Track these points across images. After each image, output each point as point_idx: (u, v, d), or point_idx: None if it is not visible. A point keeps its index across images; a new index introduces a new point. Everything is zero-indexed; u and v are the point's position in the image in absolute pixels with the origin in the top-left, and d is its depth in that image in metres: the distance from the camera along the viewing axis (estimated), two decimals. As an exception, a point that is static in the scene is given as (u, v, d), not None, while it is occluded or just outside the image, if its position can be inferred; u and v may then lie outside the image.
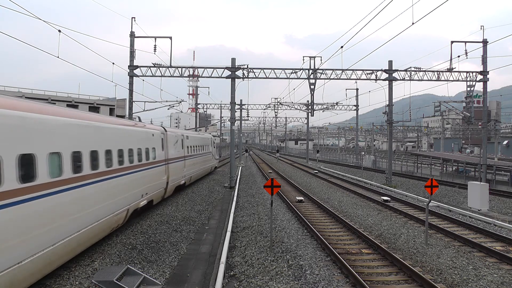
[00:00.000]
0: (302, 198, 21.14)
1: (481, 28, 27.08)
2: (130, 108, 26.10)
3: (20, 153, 6.63)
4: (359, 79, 28.11)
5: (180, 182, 20.45)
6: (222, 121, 68.92)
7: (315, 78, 27.70)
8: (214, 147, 34.66)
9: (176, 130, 22.75)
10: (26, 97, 42.82)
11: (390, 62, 28.38)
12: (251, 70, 26.76)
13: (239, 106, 49.61)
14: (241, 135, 72.56)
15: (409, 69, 27.91)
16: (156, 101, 28.93)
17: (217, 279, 8.48)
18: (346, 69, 27.54)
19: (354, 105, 52.42)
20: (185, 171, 21.55)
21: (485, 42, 26.98)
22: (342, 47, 21.48)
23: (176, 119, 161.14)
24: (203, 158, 28.63)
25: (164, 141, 17.32)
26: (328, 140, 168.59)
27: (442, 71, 27.66)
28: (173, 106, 31.68)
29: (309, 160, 60.30)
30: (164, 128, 18.05)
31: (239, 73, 26.42)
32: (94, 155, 9.70)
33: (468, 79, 27.75)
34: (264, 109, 57.05)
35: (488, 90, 28.03)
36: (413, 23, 16.64)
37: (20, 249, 6.53)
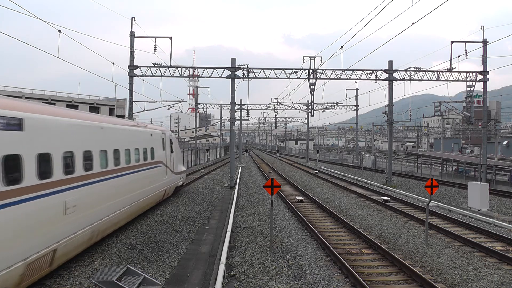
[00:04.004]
0: (302, 198, 21.14)
1: (481, 28, 27.10)
2: (130, 108, 26.11)
3: None
4: (359, 79, 28.11)
5: None
6: (222, 121, 68.98)
7: (315, 78, 27.70)
8: (171, 152, 18.46)
9: None
10: (26, 97, 42.89)
11: (390, 62, 28.40)
12: (251, 70, 26.77)
13: (239, 106, 49.60)
14: (241, 135, 72.60)
15: (409, 69, 27.92)
16: (156, 101, 28.93)
17: (217, 279, 8.48)
18: (346, 69, 27.56)
19: (354, 105, 52.45)
20: None
21: (485, 42, 26.98)
22: (342, 47, 21.47)
23: (176, 119, 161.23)
24: (136, 178, 13.13)
25: None
26: (328, 140, 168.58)
27: (442, 71, 27.67)
28: (173, 106, 31.68)
29: (309, 160, 60.30)
30: None
31: (239, 73, 26.43)
32: None
33: (468, 79, 27.75)
34: (264, 109, 57.10)
35: (488, 90, 28.02)
36: (413, 23, 16.64)
37: None
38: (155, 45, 25.26)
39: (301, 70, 27.40)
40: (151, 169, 14.93)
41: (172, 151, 18.54)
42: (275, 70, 27.29)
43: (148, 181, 14.57)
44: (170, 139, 18.68)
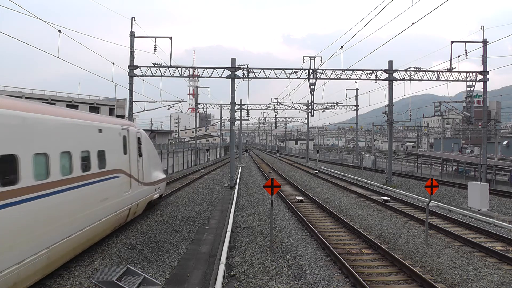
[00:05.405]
0: (302, 198, 21.14)
1: (481, 28, 27.09)
2: (130, 108, 26.13)
3: None
4: (359, 79, 28.12)
5: None
6: (222, 121, 69.00)
7: (315, 78, 27.70)
8: (139, 155, 13.83)
9: None
10: (26, 97, 42.88)
11: (390, 62, 28.40)
12: (251, 70, 26.77)
13: (239, 106, 49.62)
14: (241, 135, 72.60)
15: (409, 69, 27.93)
16: (156, 101, 28.96)
17: (217, 279, 8.48)
18: (346, 69, 27.57)
19: (354, 105, 52.47)
20: None
21: (485, 42, 26.98)
22: (342, 47, 21.47)
23: (176, 119, 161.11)
24: (66, 199, 8.34)
25: None
26: (328, 140, 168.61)
27: (442, 71, 27.67)
28: (173, 106, 31.72)
29: (309, 160, 60.32)
30: None
31: (239, 73, 26.43)
32: None
33: (468, 79, 27.75)
34: (264, 109, 57.07)
35: (488, 90, 28.03)
36: (413, 23, 16.62)
37: None
38: (155, 45, 25.28)
39: (301, 70, 27.41)
40: (101, 183, 10.26)
41: (140, 155, 13.87)
42: (275, 70, 27.29)
43: (94, 201, 9.89)
44: (138, 138, 13.89)
